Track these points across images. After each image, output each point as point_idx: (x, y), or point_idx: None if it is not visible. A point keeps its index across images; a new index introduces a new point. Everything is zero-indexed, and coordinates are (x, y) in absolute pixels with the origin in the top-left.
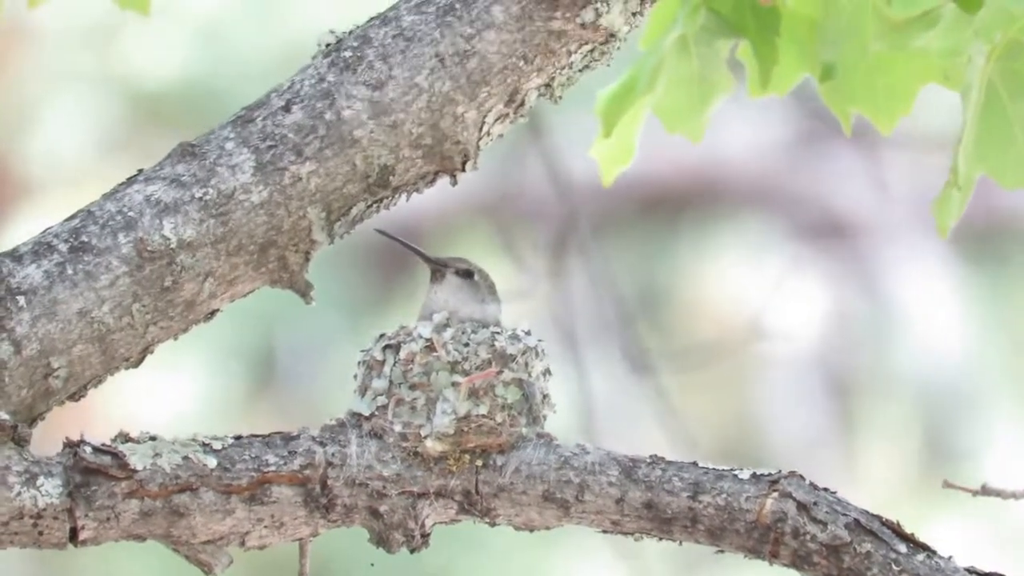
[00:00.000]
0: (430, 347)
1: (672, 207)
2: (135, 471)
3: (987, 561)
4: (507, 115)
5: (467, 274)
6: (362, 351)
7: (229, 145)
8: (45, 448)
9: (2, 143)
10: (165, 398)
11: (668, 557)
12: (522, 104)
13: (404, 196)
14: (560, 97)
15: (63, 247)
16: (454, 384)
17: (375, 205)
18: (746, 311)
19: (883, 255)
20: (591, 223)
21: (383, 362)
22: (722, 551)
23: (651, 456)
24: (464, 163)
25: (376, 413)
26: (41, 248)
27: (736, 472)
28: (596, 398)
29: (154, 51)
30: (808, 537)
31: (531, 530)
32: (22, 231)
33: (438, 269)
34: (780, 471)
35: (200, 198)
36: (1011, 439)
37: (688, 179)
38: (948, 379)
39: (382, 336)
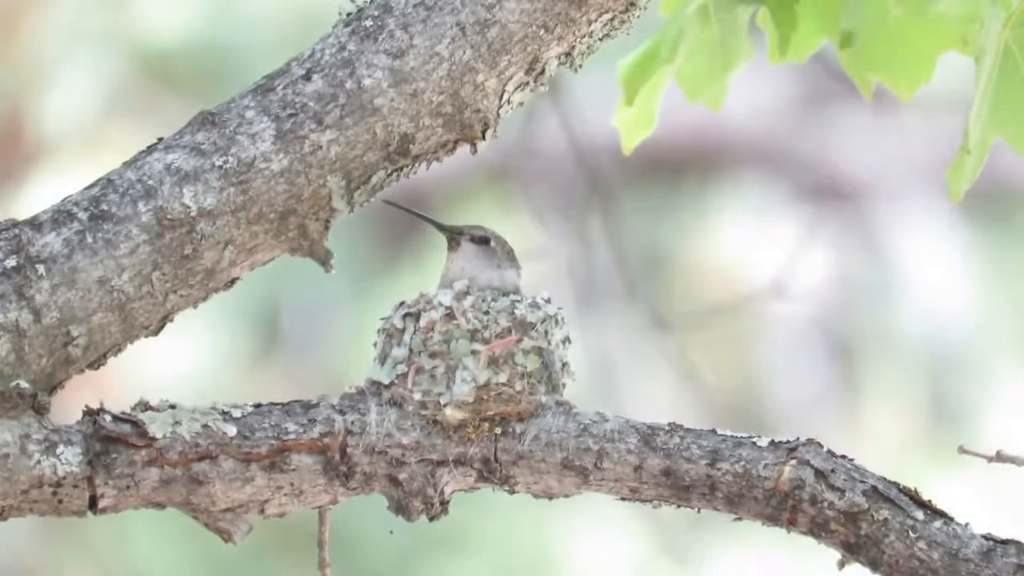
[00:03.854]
0: (450, 315)
1: (680, 168)
2: (155, 439)
3: (989, 524)
4: (527, 83)
5: (483, 240)
6: (382, 319)
7: (249, 114)
8: (64, 417)
9: (16, 103)
10: (173, 361)
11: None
12: (542, 72)
13: (424, 165)
14: (580, 66)
15: (83, 215)
16: (474, 352)
17: (395, 173)
18: (753, 273)
19: (891, 217)
20: (606, 185)
21: (403, 330)
22: (740, 518)
23: (670, 424)
24: (484, 131)
25: (396, 381)
26: (61, 216)
27: (754, 439)
28: (614, 357)
29: (167, 12)
30: (826, 504)
31: (550, 497)
32: (36, 192)
33: (453, 237)
34: (798, 438)
35: (220, 166)
36: (1016, 400)
37: (696, 139)
38: (953, 340)
39: (402, 304)
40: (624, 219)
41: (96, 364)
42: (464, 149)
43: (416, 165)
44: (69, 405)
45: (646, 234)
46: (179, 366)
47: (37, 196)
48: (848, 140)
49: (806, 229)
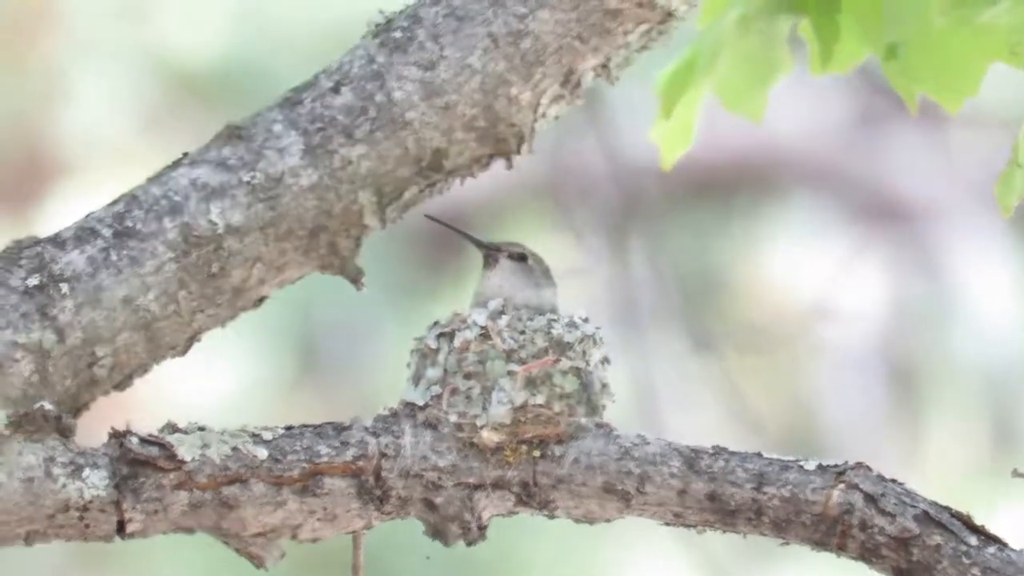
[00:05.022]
0: (485, 335)
1: (727, 188)
2: (183, 462)
3: None
4: (563, 96)
5: (520, 258)
6: (415, 339)
7: (277, 128)
8: (90, 439)
9: (37, 120)
10: (204, 383)
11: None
12: (578, 85)
13: (458, 180)
14: (617, 78)
15: (107, 232)
16: (510, 373)
17: (428, 189)
18: (805, 295)
19: (945, 237)
20: (648, 203)
21: (437, 350)
22: (787, 543)
23: (714, 447)
24: (519, 146)
25: (430, 403)
26: (84, 233)
27: (801, 463)
28: (656, 380)
29: (192, 26)
30: (876, 530)
31: (591, 522)
32: (58, 210)
33: (491, 254)
34: (847, 462)
35: (248, 182)
36: None
37: (744, 159)
38: (1015, 364)
39: (436, 324)
40: (666, 238)
41: (122, 385)
42: (499, 164)
43: (450, 180)
44: (98, 430)
45: (694, 255)
46: (214, 390)
47: (61, 214)
48: (900, 158)
49: (858, 250)
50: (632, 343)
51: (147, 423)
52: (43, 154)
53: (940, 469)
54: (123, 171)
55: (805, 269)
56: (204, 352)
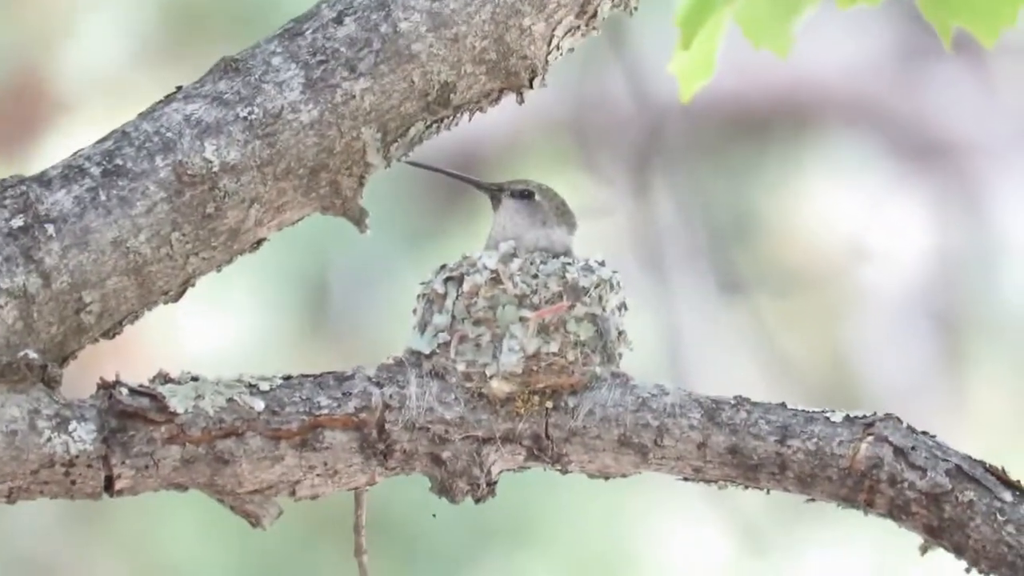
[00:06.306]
0: (496, 279)
1: (760, 124)
2: (175, 414)
3: None
4: (578, 27)
5: (525, 195)
6: (422, 283)
7: (276, 60)
8: (77, 391)
9: (33, 57)
10: (207, 334)
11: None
12: (594, 16)
13: (466, 115)
14: (635, 8)
15: (95, 171)
16: (522, 319)
17: (435, 125)
18: (841, 237)
19: (991, 176)
20: (676, 140)
21: (445, 296)
22: (813, 500)
23: (735, 397)
24: (531, 80)
25: (437, 351)
26: (72, 172)
27: (828, 414)
28: (682, 325)
29: None
30: (906, 485)
31: (606, 477)
32: (56, 150)
33: (494, 195)
34: (875, 413)
35: (244, 117)
36: None
37: (778, 94)
38: None
39: (443, 267)
40: (694, 176)
41: (111, 332)
42: (510, 99)
43: (458, 116)
44: (90, 381)
45: (723, 193)
46: (217, 342)
47: (58, 154)
48: (942, 92)
49: (897, 189)
50: (657, 287)
51: (140, 374)
52: (41, 92)
53: (983, 426)
54: (123, 108)
55: (841, 209)
56: (205, 300)
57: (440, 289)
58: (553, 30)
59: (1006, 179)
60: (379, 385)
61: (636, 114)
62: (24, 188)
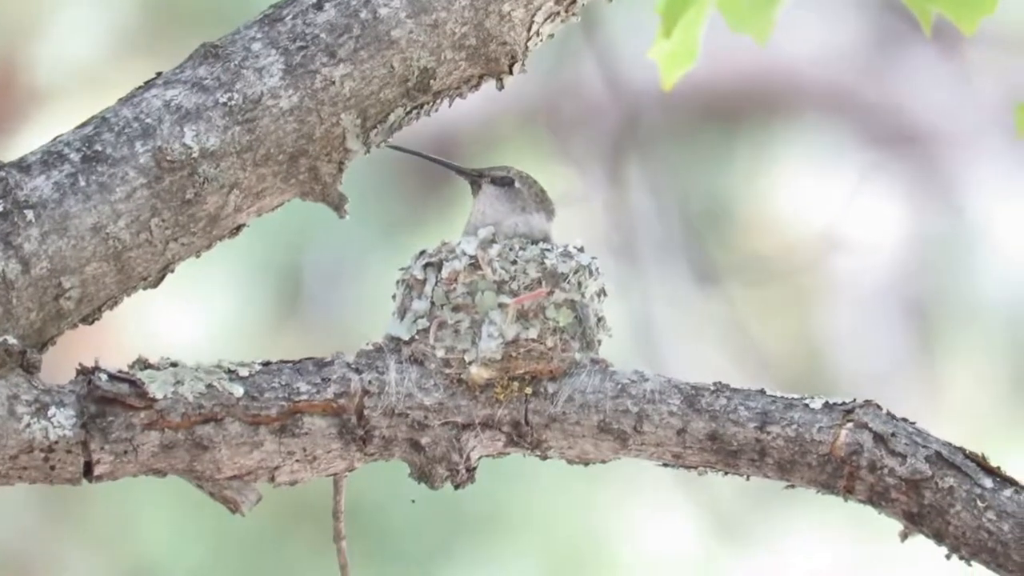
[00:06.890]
0: (475, 265)
1: (734, 112)
2: (155, 400)
3: None
4: (558, 13)
5: (505, 181)
6: (401, 269)
7: (256, 46)
8: (56, 376)
9: (11, 46)
10: (185, 320)
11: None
12: (574, 2)
13: (446, 101)
14: None
15: (75, 156)
16: (501, 305)
17: (414, 111)
18: (815, 226)
19: (965, 164)
20: (650, 128)
21: (424, 281)
22: (792, 486)
23: (715, 383)
24: (511, 65)
25: (416, 337)
26: (51, 158)
27: (807, 401)
28: (656, 314)
29: None
30: (886, 471)
31: (585, 463)
32: (34, 140)
33: (475, 181)
34: (855, 400)
35: (224, 103)
36: None
37: (752, 82)
38: None
39: (422, 253)
40: (669, 165)
41: (90, 318)
42: (489, 86)
43: (438, 102)
44: (67, 366)
45: (698, 182)
46: (194, 328)
47: (36, 144)
48: (917, 81)
49: (871, 178)
50: (632, 275)
51: (119, 361)
52: (16, 80)
53: (958, 414)
54: (101, 98)
55: (816, 198)
56: (183, 287)
57: (419, 275)
58: (533, 16)
59: (979, 167)
60: (358, 371)
61: (610, 102)
62: (3, 174)
